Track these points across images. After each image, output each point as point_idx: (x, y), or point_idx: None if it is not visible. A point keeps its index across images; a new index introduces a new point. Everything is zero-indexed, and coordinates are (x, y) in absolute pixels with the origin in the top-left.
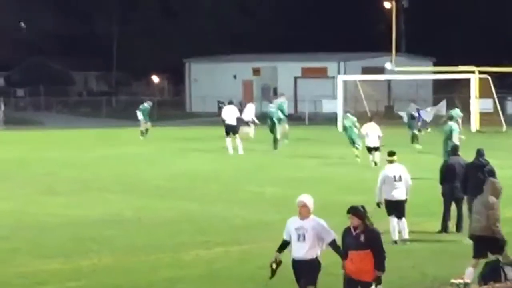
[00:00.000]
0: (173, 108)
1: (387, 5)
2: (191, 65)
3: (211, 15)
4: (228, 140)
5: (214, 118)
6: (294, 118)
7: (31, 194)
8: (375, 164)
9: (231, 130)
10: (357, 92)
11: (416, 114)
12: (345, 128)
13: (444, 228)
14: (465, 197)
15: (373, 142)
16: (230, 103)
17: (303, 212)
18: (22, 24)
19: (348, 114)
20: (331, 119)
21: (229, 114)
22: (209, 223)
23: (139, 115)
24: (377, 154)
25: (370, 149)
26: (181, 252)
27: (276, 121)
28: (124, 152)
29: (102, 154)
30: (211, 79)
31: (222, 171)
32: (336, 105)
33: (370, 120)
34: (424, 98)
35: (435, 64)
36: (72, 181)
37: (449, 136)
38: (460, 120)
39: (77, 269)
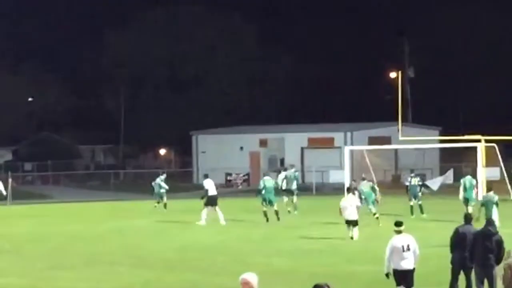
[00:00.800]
0: (180, 180)
1: (392, 75)
2: (198, 137)
3: (217, 88)
4: (205, 212)
5: (222, 189)
6: (301, 189)
7: (42, 269)
8: (352, 238)
9: (214, 202)
10: (364, 162)
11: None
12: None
13: None
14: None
15: (352, 215)
16: (206, 176)
17: None
18: (30, 99)
19: (365, 181)
20: (338, 189)
21: (211, 186)
22: None
23: (164, 186)
24: (355, 230)
25: (349, 223)
26: None
27: (272, 195)
28: (132, 224)
29: (110, 227)
30: (218, 151)
31: (229, 243)
32: (343, 175)
33: (348, 191)
34: (430, 167)
35: (441, 133)
36: (81, 254)
37: (489, 208)
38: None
39: None
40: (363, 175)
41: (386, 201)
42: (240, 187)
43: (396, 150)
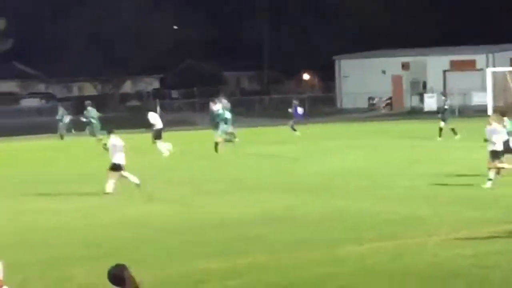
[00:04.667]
0: (324, 105)
1: None
2: (341, 61)
3: (359, 12)
4: (161, 144)
5: (365, 113)
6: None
7: (187, 195)
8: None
9: (160, 135)
10: (506, 84)
11: (292, 110)
12: None
13: None
14: None
15: (122, 158)
16: (151, 110)
17: None
18: (175, 27)
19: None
20: (481, 111)
21: (158, 120)
22: (361, 219)
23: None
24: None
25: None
26: (334, 248)
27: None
28: (277, 150)
29: (255, 153)
30: (360, 75)
31: (373, 167)
32: (485, 98)
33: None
34: None
35: None
36: (226, 180)
37: None
38: None
39: (235, 268)
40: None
41: None
42: (383, 111)
43: None
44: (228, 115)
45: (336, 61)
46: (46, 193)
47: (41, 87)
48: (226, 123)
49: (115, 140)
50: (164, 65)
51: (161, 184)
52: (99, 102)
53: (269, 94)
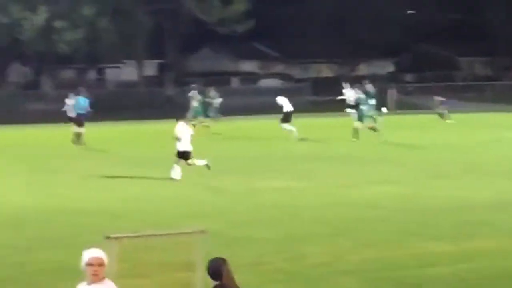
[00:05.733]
0: None
1: None
2: None
3: None
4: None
5: None
6: None
7: (420, 178)
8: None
9: (288, 118)
10: None
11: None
12: None
13: None
14: None
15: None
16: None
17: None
18: (411, 11)
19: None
20: None
21: (287, 103)
22: None
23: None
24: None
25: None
26: None
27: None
28: (509, 135)
29: (486, 138)
30: None
31: None
32: None
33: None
34: None
35: None
36: (458, 164)
37: None
38: None
39: (465, 252)
40: None
41: None
42: None
43: None
44: (371, 101)
45: None
46: (275, 169)
47: (280, 68)
48: (366, 109)
49: (183, 127)
50: (398, 49)
51: (393, 167)
52: (335, 84)
53: (500, 80)
